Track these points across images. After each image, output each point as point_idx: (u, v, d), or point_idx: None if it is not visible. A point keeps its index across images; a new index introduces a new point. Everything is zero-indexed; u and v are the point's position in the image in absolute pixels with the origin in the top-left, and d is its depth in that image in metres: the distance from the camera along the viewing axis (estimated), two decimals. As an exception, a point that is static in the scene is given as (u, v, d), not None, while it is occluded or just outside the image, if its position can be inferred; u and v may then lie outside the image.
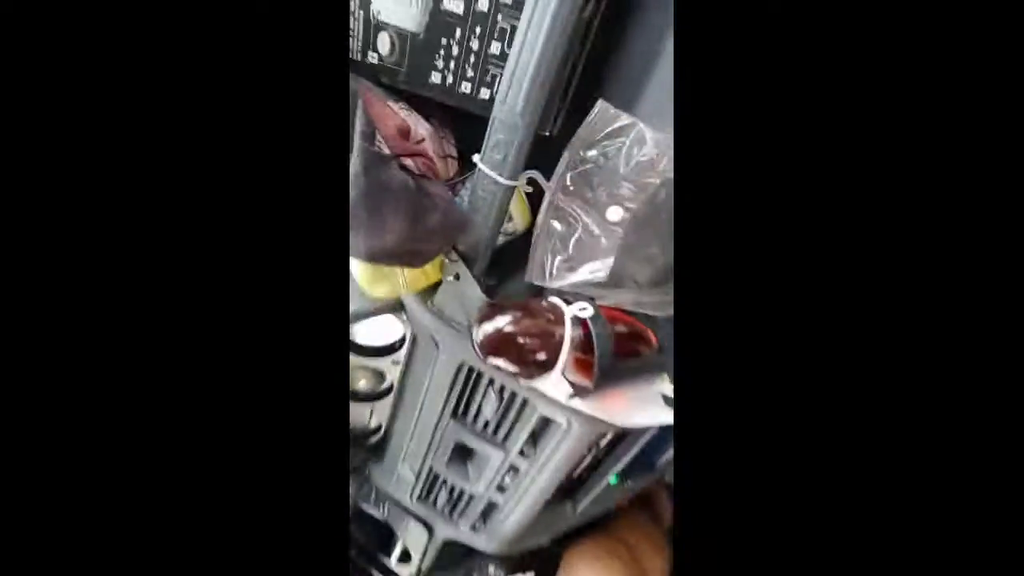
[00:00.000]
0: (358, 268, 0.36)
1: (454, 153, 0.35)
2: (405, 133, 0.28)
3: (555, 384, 0.34)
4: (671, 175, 0.31)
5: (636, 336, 0.36)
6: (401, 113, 0.28)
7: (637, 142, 0.28)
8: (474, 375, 0.40)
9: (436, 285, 0.38)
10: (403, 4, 0.27)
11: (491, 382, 0.40)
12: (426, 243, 0.30)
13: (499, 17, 0.27)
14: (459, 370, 0.40)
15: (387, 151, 0.26)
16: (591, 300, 0.33)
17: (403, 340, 0.44)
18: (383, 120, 0.27)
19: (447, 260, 0.36)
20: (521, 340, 0.33)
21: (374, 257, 0.29)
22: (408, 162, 0.28)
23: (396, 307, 0.42)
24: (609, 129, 0.28)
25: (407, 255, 0.30)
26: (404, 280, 0.37)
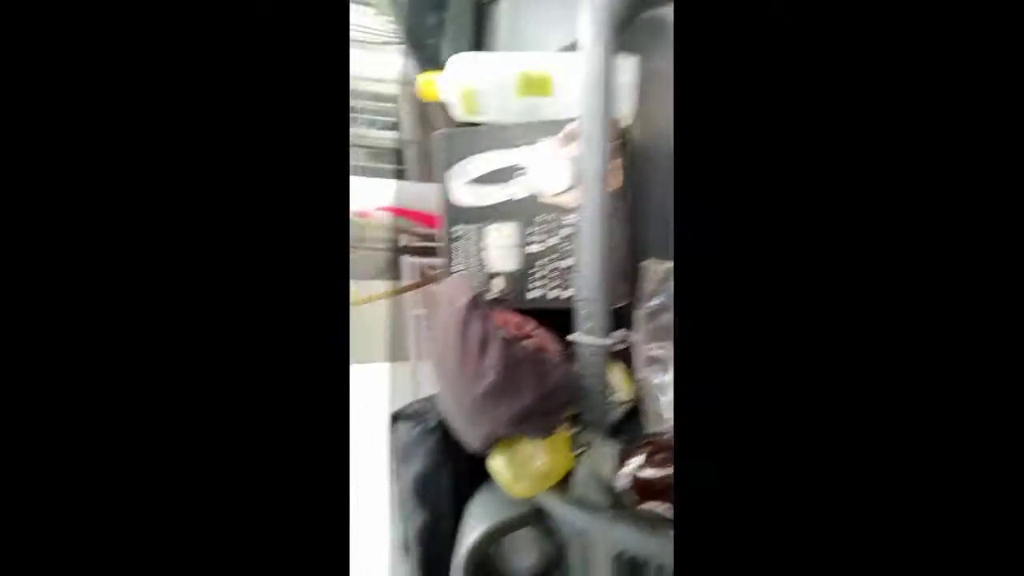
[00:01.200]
0: (497, 469, 0.41)
1: (559, 340, 0.45)
2: (521, 325, 0.40)
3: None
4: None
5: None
6: (518, 316, 0.41)
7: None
8: (633, 562, 0.39)
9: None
10: (505, 256, 0.44)
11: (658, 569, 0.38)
12: (554, 402, 0.37)
13: (564, 247, 0.43)
14: (617, 559, 0.39)
15: (513, 334, 0.37)
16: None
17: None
18: (505, 322, 0.39)
19: (573, 432, 0.41)
20: (662, 475, 0.35)
21: (515, 420, 0.36)
22: (527, 342, 0.39)
23: (539, 515, 0.44)
24: (660, 279, 0.39)
25: (541, 417, 0.37)
26: (544, 469, 0.42)
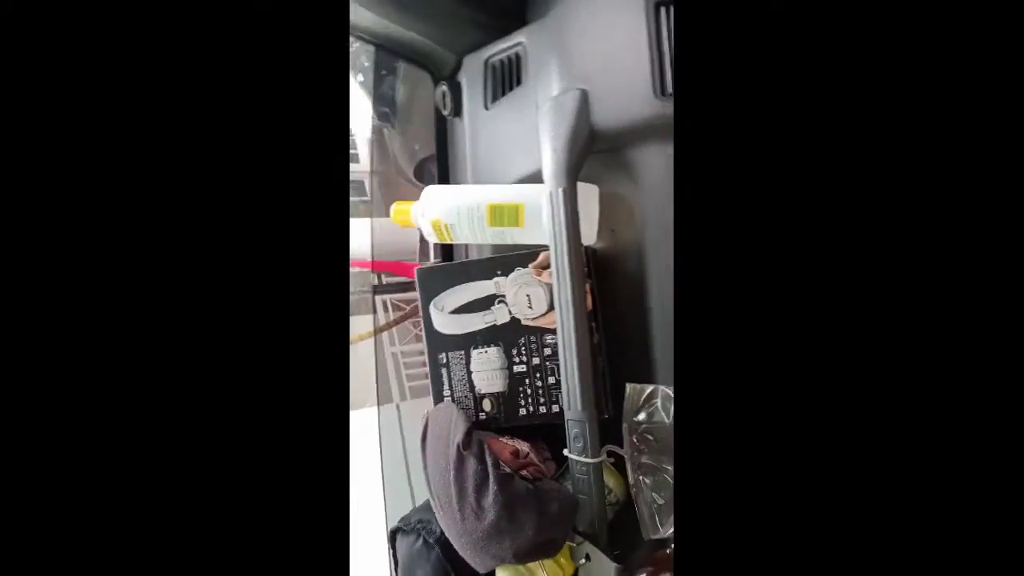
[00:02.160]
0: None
1: (550, 455, 0.47)
2: (516, 454, 0.41)
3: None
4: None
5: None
6: (509, 442, 0.43)
7: (665, 399, 0.41)
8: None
9: None
10: (490, 379, 0.45)
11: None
12: (554, 529, 0.39)
13: (548, 365, 0.45)
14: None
15: (508, 471, 0.39)
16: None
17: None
18: (500, 451, 0.41)
19: (574, 545, 0.43)
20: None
21: (520, 555, 0.37)
22: (524, 473, 0.40)
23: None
24: (643, 399, 0.41)
25: (544, 545, 0.38)
26: (547, 580, 0.43)
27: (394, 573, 0.51)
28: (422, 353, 0.47)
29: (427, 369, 0.47)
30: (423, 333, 0.47)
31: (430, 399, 0.47)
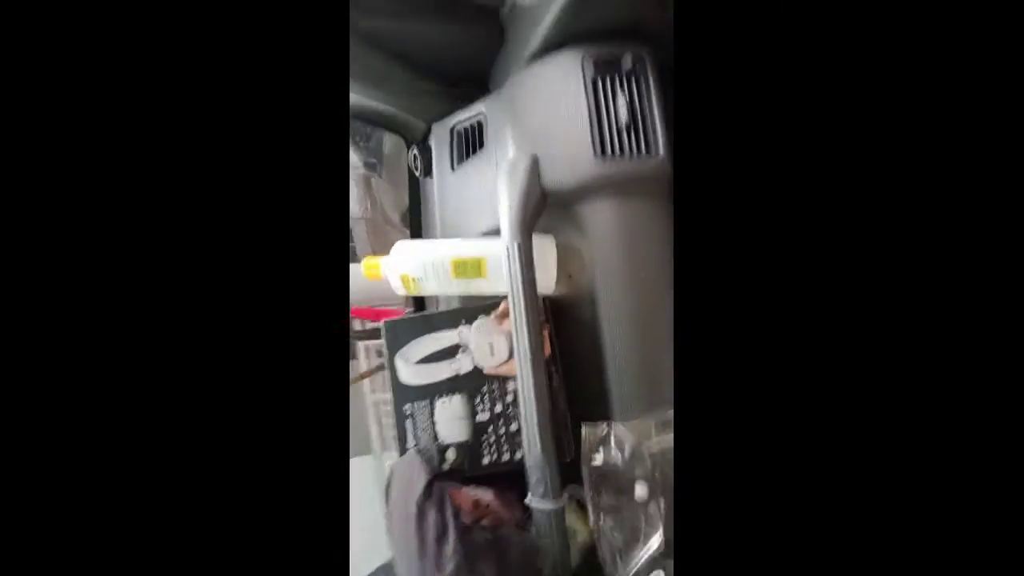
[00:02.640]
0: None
1: (516, 503, 0.48)
2: (476, 504, 0.42)
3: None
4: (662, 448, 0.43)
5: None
6: (469, 491, 0.43)
7: (619, 438, 0.42)
8: None
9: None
10: (455, 428, 0.47)
11: None
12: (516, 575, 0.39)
13: (510, 412, 0.46)
14: None
15: (468, 521, 0.40)
16: (663, 571, 0.39)
17: None
18: (463, 503, 0.42)
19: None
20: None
21: (482, 604, 0.37)
22: (484, 522, 0.41)
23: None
24: (599, 438, 0.43)
25: (506, 593, 0.38)
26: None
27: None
28: None
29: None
30: (391, 385, 0.49)
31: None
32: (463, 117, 0.55)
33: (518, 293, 0.43)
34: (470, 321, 0.47)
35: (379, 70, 0.51)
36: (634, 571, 0.41)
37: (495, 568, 0.38)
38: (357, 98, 0.55)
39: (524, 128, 0.47)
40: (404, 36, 0.48)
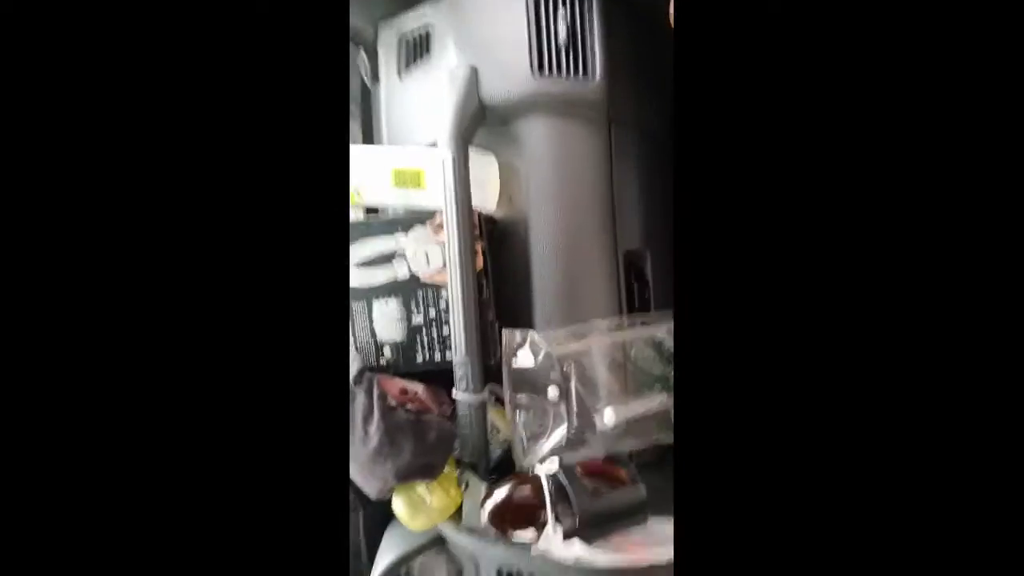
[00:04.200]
0: (398, 509, 0.48)
1: (447, 399, 0.53)
2: (403, 391, 0.47)
3: (557, 541, 0.42)
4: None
5: (607, 475, 0.46)
6: (400, 381, 0.48)
7: (534, 342, 0.47)
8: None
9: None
10: (392, 328, 0.51)
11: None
12: (433, 455, 0.45)
13: (443, 317, 0.50)
14: (499, 574, 0.47)
15: (393, 403, 0.45)
16: (560, 458, 0.45)
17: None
18: (390, 389, 0.46)
19: (458, 473, 0.49)
20: (521, 504, 0.43)
21: (400, 474, 0.43)
22: (409, 406, 0.46)
23: (438, 542, 0.52)
24: (516, 343, 0.47)
25: (423, 468, 0.44)
26: (435, 506, 0.49)
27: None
28: None
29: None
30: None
31: None
32: (410, 23, 0.54)
33: (451, 204, 0.45)
34: (406, 229, 0.49)
35: None
36: (538, 459, 0.47)
37: (413, 444, 0.43)
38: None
39: (466, 39, 0.47)
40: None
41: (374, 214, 0.58)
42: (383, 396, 0.44)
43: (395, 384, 0.47)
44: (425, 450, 0.44)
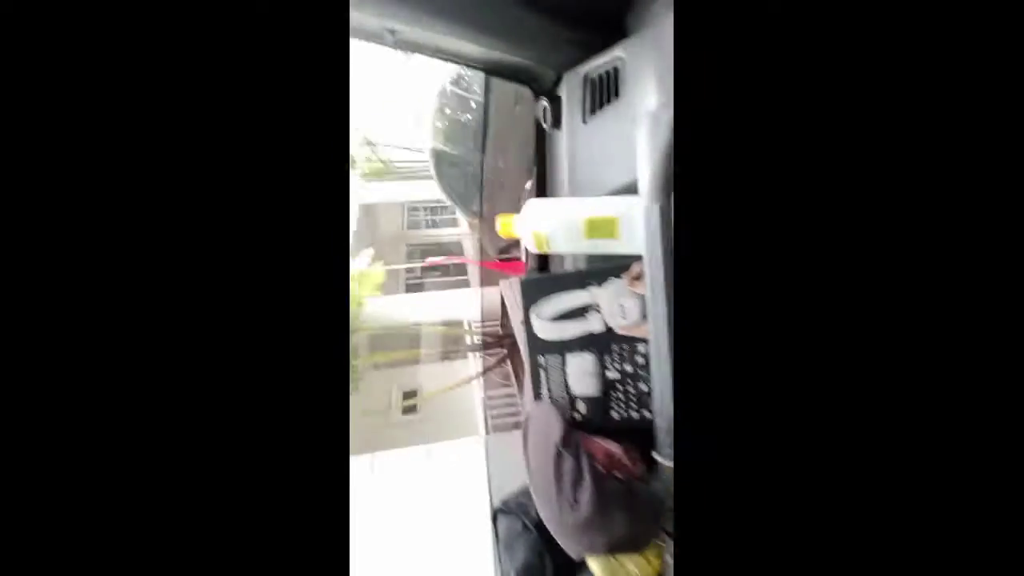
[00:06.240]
0: (595, 570, 0.46)
1: (639, 457, 0.50)
2: (609, 455, 0.45)
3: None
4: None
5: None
6: (601, 442, 0.46)
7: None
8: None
9: None
10: (585, 383, 0.49)
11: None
12: (641, 527, 0.42)
13: (640, 373, 0.47)
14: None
15: (602, 470, 0.43)
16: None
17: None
18: (596, 453, 0.45)
19: (661, 544, 0.45)
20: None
21: (609, 548, 0.41)
22: (616, 473, 0.44)
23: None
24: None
25: (632, 540, 0.42)
26: (634, 573, 0.46)
27: (496, 548, 0.58)
28: (508, 396, 0.52)
29: (527, 372, 0.52)
30: (524, 337, 0.52)
31: (509, 435, 0.52)
32: (598, 63, 0.52)
33: (656, 258, 0.42)
34: (600, 282, 0.48)
35: (509, 19, 0.49)
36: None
37: (624, 516, 0.41)
38: (484, 51, 0.54)
39: (669, 76, 0.43)
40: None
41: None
42: (592, 462, 0.42)
43: (600, 447, 0.45)
44: (635, 522, 0.41)
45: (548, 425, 0.46)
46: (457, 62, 0.54)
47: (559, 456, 0.43)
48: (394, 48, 0.45)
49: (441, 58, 0.52)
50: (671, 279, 0.42)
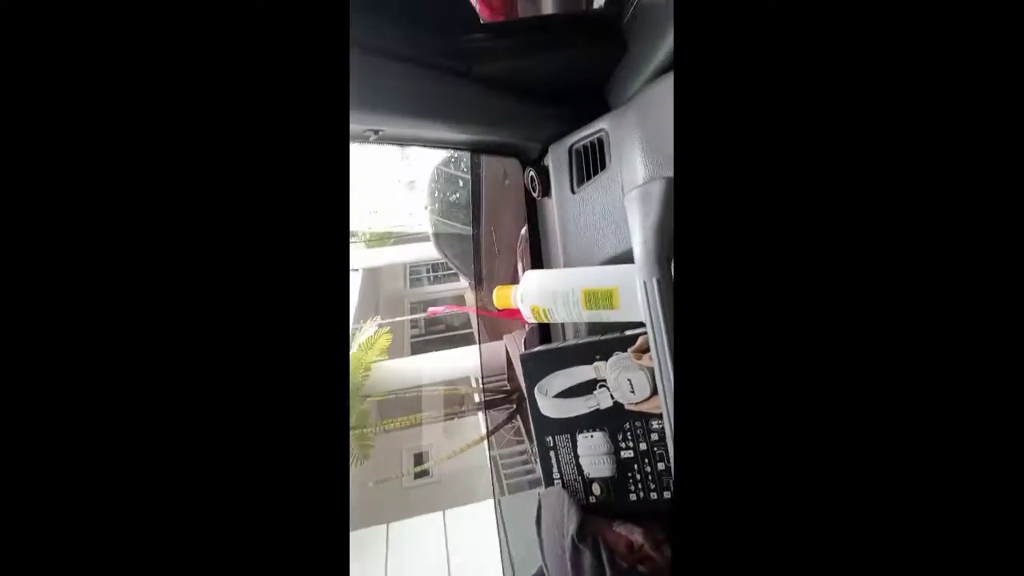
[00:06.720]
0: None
1: (663, 538, 0.46)
2: (630, 546, 0.41)
3: None
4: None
5: None
6: (621, 530, 0.43)
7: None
8: None
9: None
10: (598, 463, 0.46)
11: None
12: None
13: (656, 451, 0.44)
14: None
15: (625, 566, 0.39)
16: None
17: None
18: (615, 544, 0.41)
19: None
20: None
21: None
22: (640, 568, 0.40)
23: None
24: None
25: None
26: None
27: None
28: (521, 454, 0.50)
29: (535, 454, 0.49)
30: (529, 416, 0.49)
31: (525, 494, 0.49)
32: (582, 135, 0.53)
33: (660, 331, 0.41)
34: (605, 356, 0.46)
35: (497, 110, 0.51)
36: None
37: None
38: (468, 136, 0.56)
39: (656, 148, 0.44)
40: (522, 72, 0.47)
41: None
42: (612, 557, 0.39)
43: (620, 538, 0.42)
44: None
45: (562, 514, 0.43)
46: (443, 147, 0.55)
47: (576, 551, 0.39)
48: (379, 144, 0.45)
49: (426, 147, 0.53)
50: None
